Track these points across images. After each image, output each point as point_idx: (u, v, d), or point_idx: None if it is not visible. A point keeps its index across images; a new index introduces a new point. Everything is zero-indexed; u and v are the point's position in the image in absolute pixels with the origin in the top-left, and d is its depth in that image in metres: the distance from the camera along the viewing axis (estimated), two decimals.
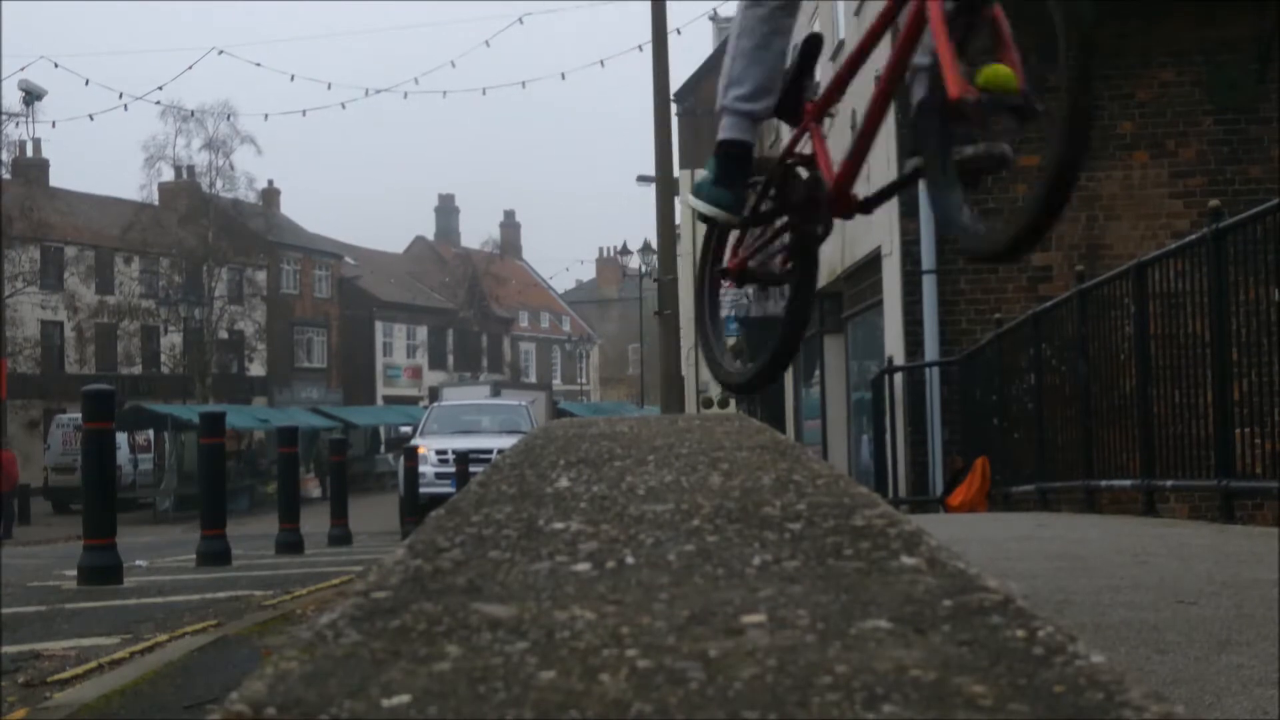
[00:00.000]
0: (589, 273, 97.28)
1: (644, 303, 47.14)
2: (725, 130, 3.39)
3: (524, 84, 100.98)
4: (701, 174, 3.50)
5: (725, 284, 3.80)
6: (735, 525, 1.41)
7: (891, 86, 3.10)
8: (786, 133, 3.59)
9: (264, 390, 55.98)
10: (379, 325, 66.75)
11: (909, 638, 0.98)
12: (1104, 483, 9.48)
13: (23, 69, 78.57)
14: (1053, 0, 2.68)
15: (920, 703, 0.84)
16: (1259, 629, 3.02)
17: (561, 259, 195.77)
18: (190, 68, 75.88)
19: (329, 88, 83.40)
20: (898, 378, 14.67)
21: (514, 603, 1.11)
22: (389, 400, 64.15)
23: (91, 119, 39.30)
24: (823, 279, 19.62)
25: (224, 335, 50.64)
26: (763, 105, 3.37)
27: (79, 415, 10.92)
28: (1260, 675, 2.54)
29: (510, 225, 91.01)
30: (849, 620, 1.03)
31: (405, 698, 0.88)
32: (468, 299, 71.52)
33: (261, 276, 55.11)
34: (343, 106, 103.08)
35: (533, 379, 75.52)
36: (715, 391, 41.63)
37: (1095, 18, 2.63)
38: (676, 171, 26.83)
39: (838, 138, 3.85)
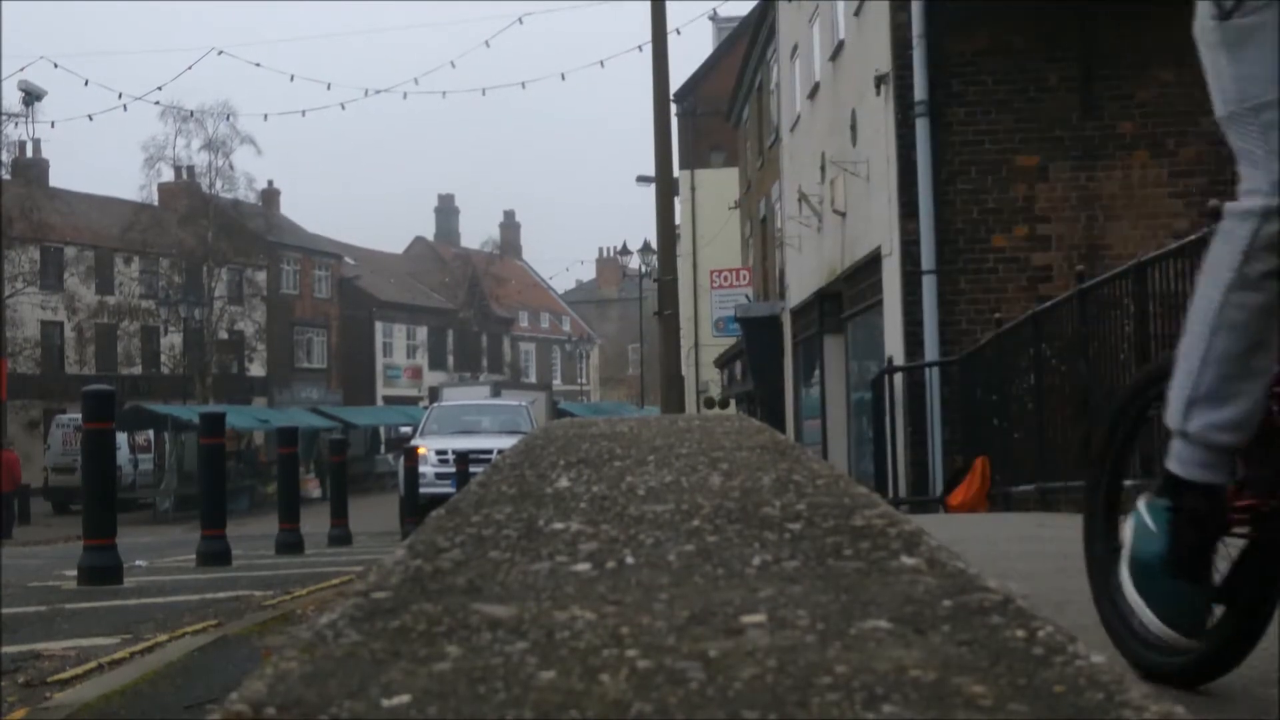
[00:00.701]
0: (589, 273, 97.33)
1: (644, 303, 47.17)
2: (1186, 466, 2.26)
3: (524, 84, 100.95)
4: (1142, 527, 2.32)
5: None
6: (735, 525, 1.41)
7: None
8: None
9: (264, 390, 55.96)
10: (379, 325, 66.74)
11: (909, 638, 0.98)
12: None
13: (23, 69, 78.44)
14: None
15: (920, 703, 0.84)
16: None
17: (561, 259, 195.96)
18: (190, 68, 75.87)
19: (329, 88, 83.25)
20: (898, 378, 14.67)
21: (514, 603, 1.11)
22: (389, 400, 64.14)
23: (91, 119, 39.23)
24: (823, 279, 19.67)
25: (224, 335, 50.62)
26: (1245, 434, 2.24)
27: (79, 415, 10.91)
28: (1260, 675, 2.54)
29: (510, 225, 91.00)
30: (849, 620, 1.03)
31: (405, 698, 0.87)
32: (468, 299, 71.51)
33: (261, 277, 55.09)
34: (342, 107, 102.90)
35: (533, 379, 75.50)
36: (715, 391, 41.67)
37: None
38: (676, 172, 26.82)
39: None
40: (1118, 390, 2.67)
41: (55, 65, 56.13)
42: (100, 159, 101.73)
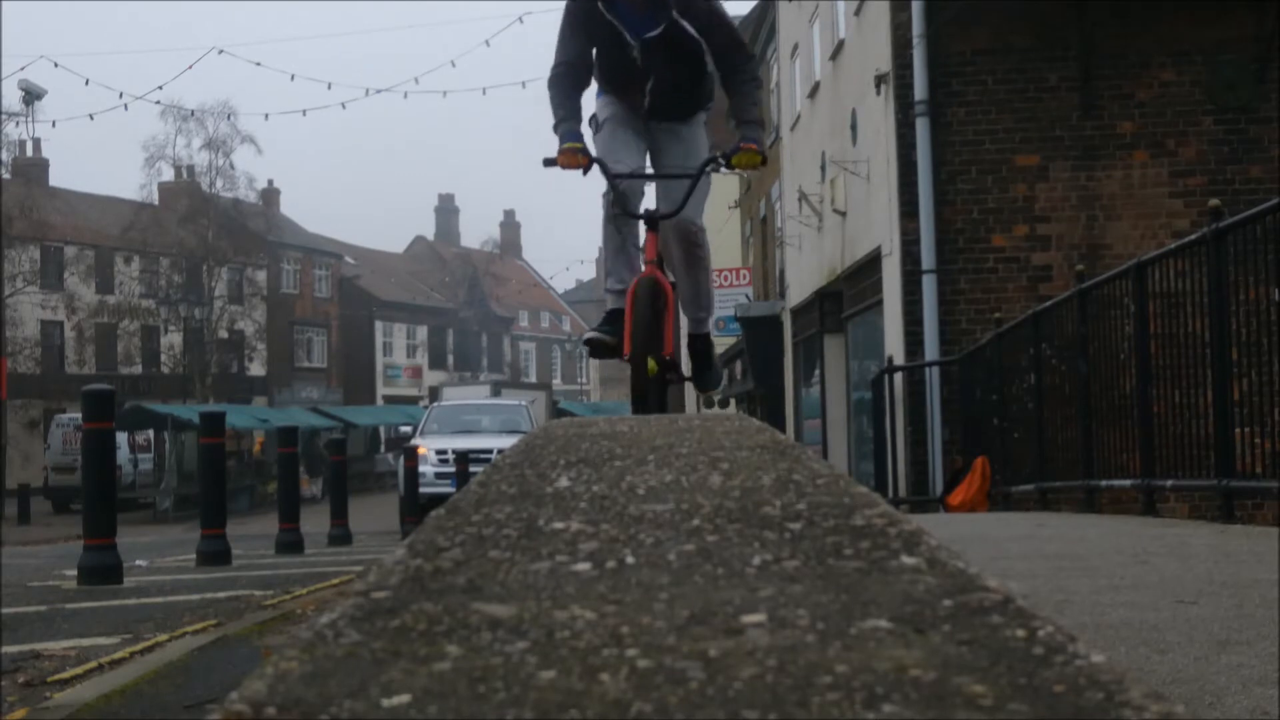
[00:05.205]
0: (589, 272, 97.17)
1: None
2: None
3: (524, 84, 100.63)
4: None
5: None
6: (735, 525, 1.41)
7: None
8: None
9: (264, 390, 55.96)
10: (379, 325, 66.73)
11: (909, 637, 0.98)
12: (1104, 482, 9.48)
13: (23, 69, 78.47)
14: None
15: (920, 702, 0.84)
16: (1259, 629, 3.02)
17: (561, 258, 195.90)
18: (190, 67, 75.48)
19: (329, 88, 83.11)
20: (898, 378, 14.68)
21: (514, 602, 1.11)
22: (389, 400, 64.13)
23: (91, 119, 39.29)
24: (823, 279, 19.67)
25: (224, 335, 50.61)
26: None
27: (79, 415, 10.92)
28: (1260, 675, 2.54)
29: (510, 225, 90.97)
30: (849, 620, 1.03)
31: (405, 697, 0.87)
32: (468, 299, 71.48)
33: (261, 276, 55.08)
34: (343, 106, 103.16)
35: (533, 379, 75.47)
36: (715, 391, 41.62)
37: None
38: None
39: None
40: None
41: (55, 65, 56.19)
42: (100, 158, 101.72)
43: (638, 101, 5.28)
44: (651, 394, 5.00)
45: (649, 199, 5.45)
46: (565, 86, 5.20)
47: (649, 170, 5.39)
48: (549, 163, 5.16)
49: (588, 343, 5.33)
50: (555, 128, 5.20)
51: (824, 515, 1.43)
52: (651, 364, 4.98)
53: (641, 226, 5.22)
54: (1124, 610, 3.41)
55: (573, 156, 5.07)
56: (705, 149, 5.40)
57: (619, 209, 5.15)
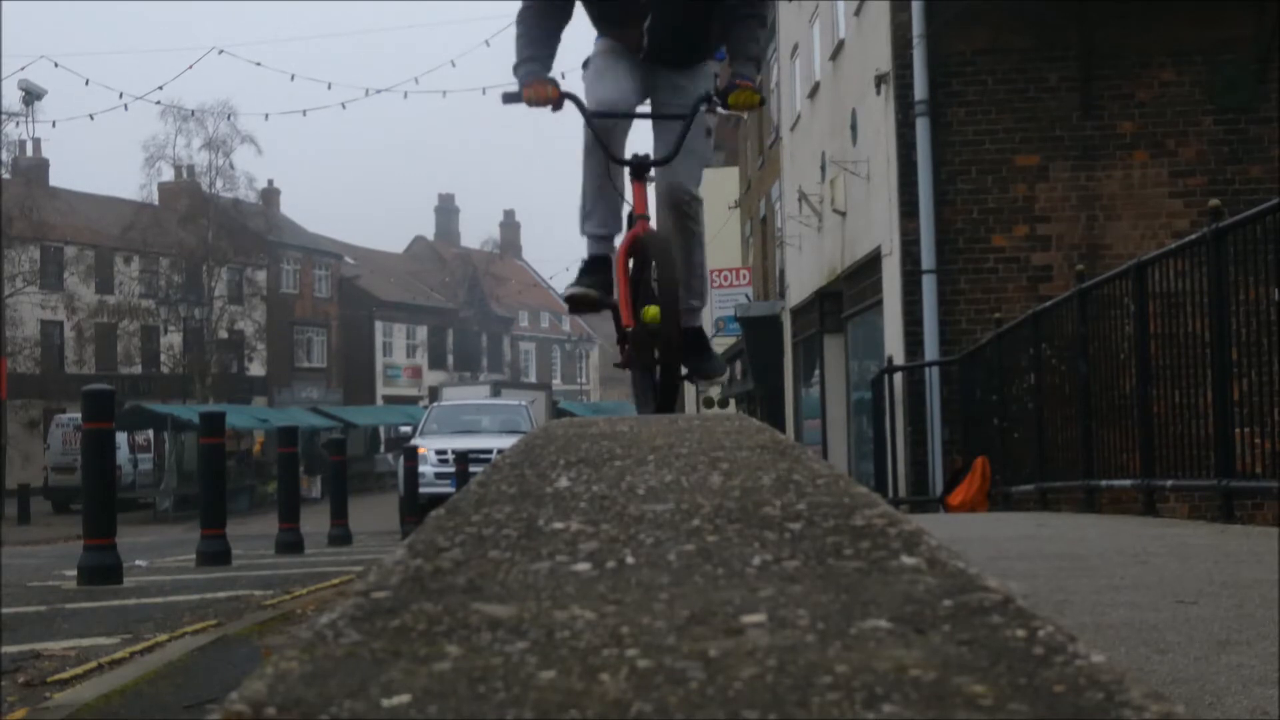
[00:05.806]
0: None
1: None
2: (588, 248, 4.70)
3: None
4: None
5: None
6: (735, 525, 1.41)
7: None
8: None
9: (264, 390, 55.96)
10: (379, 325, 66.73)
11: (909, 637, 0.98)
12: (1104, 482, 9.48)
13: (23, 69, 78.39)
14: None
15: (920, 702, 0.84)
16: (1259, 629, 3.02)
17: (561, 259, 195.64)
18: (191, 67, 75.38)
19: (329, 87, 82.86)
20: (898, 378, 14.67)
21: (514, 602, 1.11)
22: (389, 400, 64.13)
23: (91, 119, 39.16)
24: (823, 279, 19.67)
25: (224, 335, 50.62)
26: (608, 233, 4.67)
27: (79, 415, 10.91)
28: (1260, 675, 2.54)
29: (510, 225, 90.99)
30: (849, 620, 1.03)
31: (405, 697, 0.87)
32: (468, 299, 71.50)
33: (261, 276, 55.09)
34: (343, 106, 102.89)
35: (533, 379, 75.49)
36: (715, 391, 41.66)
37: None
38: None
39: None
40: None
41: (55, 65, 56.15)
42: (100, 158, 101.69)
43: (636, 41, 4.57)
44: (664, 366, 4.33)
45: (640, 146, 4.82)
46: (538, 19, 4.49)
47: (641, 112, 4.62)
48: (511, 98, 4.38)
49: (569, 299, 4.54)
50: (516, 68, 4.44)
51: (824, 515, 1.43)
52: (652, 311, 4.26)
53: (626, 175, 4.47)
54: (1124, 610, 3.41)
55: (541, 88, 4.33)
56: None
57: (600, 142, 4.40)
